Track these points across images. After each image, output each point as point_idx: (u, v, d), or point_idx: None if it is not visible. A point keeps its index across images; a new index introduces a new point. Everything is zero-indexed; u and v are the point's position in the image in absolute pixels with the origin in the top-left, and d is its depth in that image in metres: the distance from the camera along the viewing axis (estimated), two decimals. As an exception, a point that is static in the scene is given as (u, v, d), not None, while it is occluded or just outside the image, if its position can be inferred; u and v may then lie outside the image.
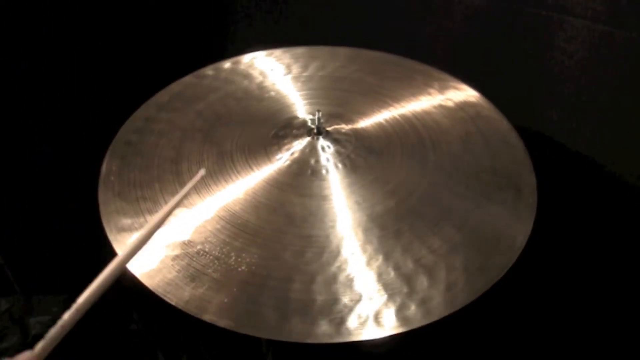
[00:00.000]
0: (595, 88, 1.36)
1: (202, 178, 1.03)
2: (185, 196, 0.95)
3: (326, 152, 1.15)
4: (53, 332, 0.72)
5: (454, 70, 1.36)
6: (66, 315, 0.73)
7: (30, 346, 0.70)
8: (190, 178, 1.10)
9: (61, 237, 1.56)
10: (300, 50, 1.47)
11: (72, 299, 0.79)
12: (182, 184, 1.09)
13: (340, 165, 1.12)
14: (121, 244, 0.99)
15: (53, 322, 0.74)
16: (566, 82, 1.40)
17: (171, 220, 1.02)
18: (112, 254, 0.98)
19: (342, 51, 1.46)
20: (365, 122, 1.24)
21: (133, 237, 0.86)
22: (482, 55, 1.52)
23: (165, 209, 0.89)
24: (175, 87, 1.37)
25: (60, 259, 1.50)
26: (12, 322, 1.43)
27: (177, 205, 0.92)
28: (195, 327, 1.00)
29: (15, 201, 1.60)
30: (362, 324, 0.89)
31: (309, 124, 1.21)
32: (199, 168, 1.12)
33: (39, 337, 0.72)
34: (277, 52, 1.47)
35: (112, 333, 1.45)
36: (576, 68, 1.37)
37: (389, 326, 0.89)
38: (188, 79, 1.39)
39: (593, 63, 1.35)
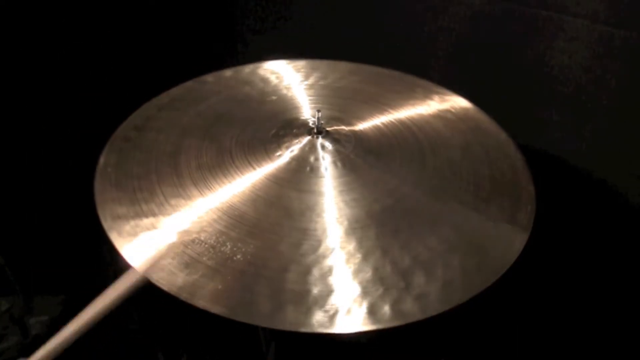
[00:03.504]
0: (595, 88, 1.37)
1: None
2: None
3: (326, 150, 1.15)
4: (51, 344, 0.72)
5: (454, 70, 1.36)
6: (65, 331, 0.73)
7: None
8: (189, 172, 1.11)
9: (61, 237, 1.57)
10: (301, 62, 1.48)
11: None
12: (180, 177, 1.10)
13: (339, 164, 1.13)
14: (116, 233, 1.00)
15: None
16: (566, 82, 1.40)
17: (168, 210, 1.03)
18: (112, 254, 0.98)
19: (343, 65, 1.47)
20: (365, 126, 1.25)
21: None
22: (482, 55, 1.52)
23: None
24: (176, 91, 1.38)
25: (60, 259, 1.50)
26: (12, 322, 1.42)
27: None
28: (194, 322, 1.00)
29: (16, 202, 1.61)
30: (357, 316, 0.89)
31: (310, 124, 1.21)
32: (198, 163, 1.13)
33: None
34: (279, 63, 1.47)
35: (112, 333, 1.45)
36: (576, 68, 1.37)
37: (384, 319, 0.89)
38: (189, 84, 1.40)
39: (593, 63, 1.35)
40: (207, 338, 1.41)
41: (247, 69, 1.45)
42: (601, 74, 1.35)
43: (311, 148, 1.16)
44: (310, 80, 1.41)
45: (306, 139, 1.18)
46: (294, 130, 1.21)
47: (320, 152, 1.15)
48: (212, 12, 1.88)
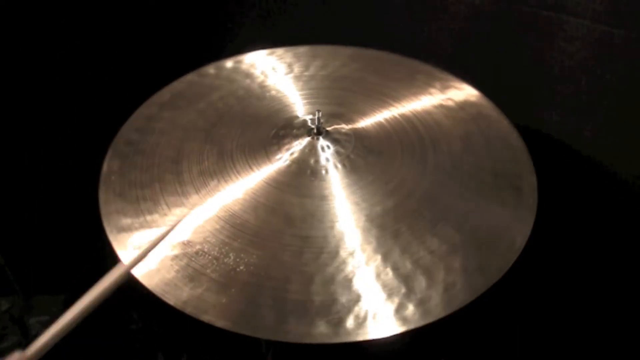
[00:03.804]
0: (595, 88, 1.36)
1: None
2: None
3: (326, 152, 1.15)
4: (47, 336, 0.71)
5: (454, 70, 1.36)
6: (62, 319, 0.73)
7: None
8: (191, 179, 1.10)
9: (61, 237, 1.56)
10: (302, 49, 1.47)
11: (72, 299, 0.79)
12: (182, 184, 1.10)
13: (339, 166, 1.12)
14: (121, 244, 1.00)
15: (53, 322, 0.74)
16: (566, 82, 1.40)
17: (172, 220, 1.03)
18: (112, 254, 0.98)
19: (344, 50, 1.46)
20: (366, 122, 1.24)
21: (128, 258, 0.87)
22: (482, 55, 1.52)
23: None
24: (177, 85, 1.37)
25: (60, 259, 1.50)
26: (12, 322, 1.43)
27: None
28: (194, 327, 1.00)
29: (16, 201, 1.61)
30: (360, 324, 0.89)
31: (309, 124, 1.21)
32: (199, 167, 1.13)
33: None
34: (279, 51, 1.47)
35: (112, 333, 1.45)
36: (576, 68, 1.37)
37: (387, 326, 0.89)
38: (190, 77, 1.39)
39: (593, 63, 1.35)
40: (206, 338, 1.42)
41: (248, 58, 1.45)
42: (601, 74, 1.35)
43: (311, 150, 1.15)
44: (311, 70, 1.41)
45: (306, 140, 1.17)
46: (294, 131, 1.20)
47: (321, 154, 1.14)
48: (211, 5, 1.88)
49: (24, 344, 1.31)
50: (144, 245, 0.85)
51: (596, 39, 1.33)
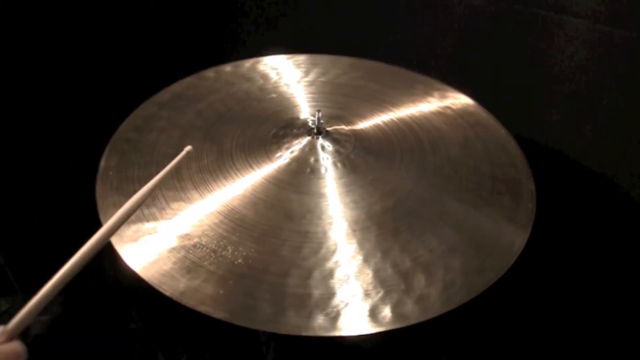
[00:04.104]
0: (595, 88, 1.36)
1: (189, 154, 1.04)
2: (170, 174, 0.95)
3: (326, 151, 1.15)
4: (28, 307, 0.71)
5: (454, 70, 1.36)
6: (43, 290, 0.73)
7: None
8: (190, 175, 1.11)
9: (61, 236, 1.56)
10: (301, 57, 1.48)
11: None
12: (181, 179, 1.10)
13: (339, 165, 1.12)
14: (117, 236, 0.99)
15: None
16: (566, 82, 1.40)
17: (169, 214, 1.03)
18: (112, 253, 0.98)
19: (343, 60, 1.47)
20: (365, 125, 1.25)
21: (116, 212, 0.86)
22: (482, 55, 1.52)
23: (148, 185, 0.90)
24: (176, 87, 1.38)
25: (60, 259, 1.49)
26: (12, 322, 1.42)
27: (160, 182, 0.93)
28: (194, 324, 1.00)
29: (16, 201, 1.61)
30: (358, 319, 0.88)
31: (309, 124, 1.21)
32: (198, 164, 1.13)
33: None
34: (279, 57, 1.47)
35: (112, 333, 1.45)
36: (576, 68, 1.37)
37: (385, 322, 0.88)
38: (189, 79, 1.40)
39: (593, 63, 1.35)
40: (207, 338, 1.41)
41: (247, 63, 1.45)
42: (601, 74, 1.35)
43: (311, 149, 1.16)
44: (311, 77, 1.42)
45: (306, 140, 1.18)
46: (294, 131, 1.21)
47: (321, 153, 1.15)
48: (212, 8, 1.88)
49: (25, 343, 1.31)
50: (122, 210, 0.85)
51: (596, 39, 1.33)
